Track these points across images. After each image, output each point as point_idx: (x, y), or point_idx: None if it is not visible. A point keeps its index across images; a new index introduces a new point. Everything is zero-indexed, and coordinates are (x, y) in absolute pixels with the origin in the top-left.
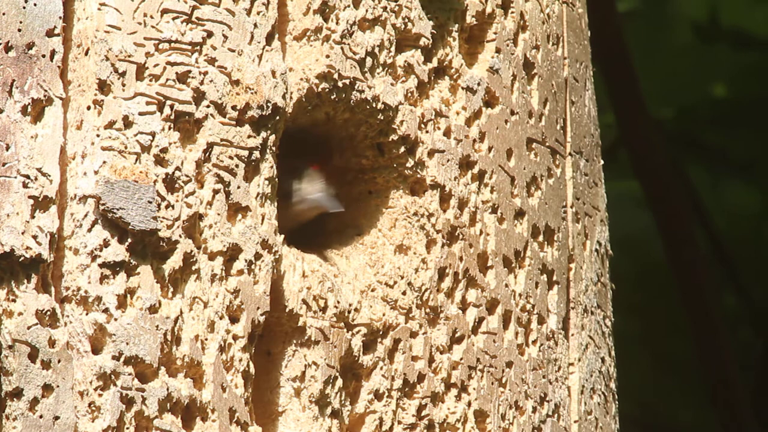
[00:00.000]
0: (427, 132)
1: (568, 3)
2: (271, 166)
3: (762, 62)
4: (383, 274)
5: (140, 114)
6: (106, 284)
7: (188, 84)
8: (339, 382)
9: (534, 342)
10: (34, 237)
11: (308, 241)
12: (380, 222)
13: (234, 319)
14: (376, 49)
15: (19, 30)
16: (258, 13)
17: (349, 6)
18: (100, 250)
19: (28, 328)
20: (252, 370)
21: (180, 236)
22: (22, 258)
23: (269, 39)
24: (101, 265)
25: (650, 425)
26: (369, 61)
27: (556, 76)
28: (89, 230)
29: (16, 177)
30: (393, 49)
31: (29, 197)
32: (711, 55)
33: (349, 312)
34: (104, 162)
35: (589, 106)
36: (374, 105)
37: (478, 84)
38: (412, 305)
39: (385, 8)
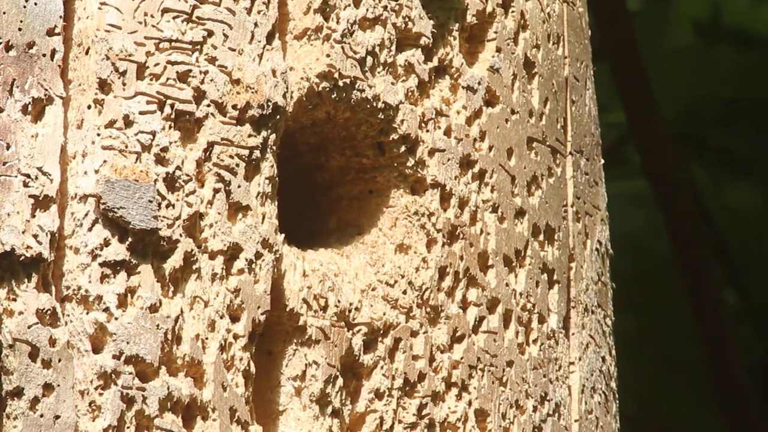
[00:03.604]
0: (427, 131)
1: (568, 2)
2: (272, 165)
3: (765, 62)
4: (384, 273)
5: (141, 113)
6: (106, 283)
7: (189, 83)
8: (339, 382)
9: (534, 341)
10: (35, 236)
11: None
12: (381, 221)
13: (234, 319)
14: (377, 49)
15: (20, 29)
16: (258, 13)
17: (349, 5)
18: (101, 249)
19: (29, 327)
20: (252, 369)
21: (180, 235)
22: (22, 257)
23: (270, 38)
24: (102, 264)
25: (650, 425)
26: (369, 60)
27: (557, 75)
28: (90, 229)
29: (16, 176)
30: (393, 48)
31: (30, 196)
32: (713, 55)
33: (349, 311)
34: (105, 161)
35: (590, 105)
36: (375, 104)
37: (479, 83)
38: (412, 304)
39: (385, 7)
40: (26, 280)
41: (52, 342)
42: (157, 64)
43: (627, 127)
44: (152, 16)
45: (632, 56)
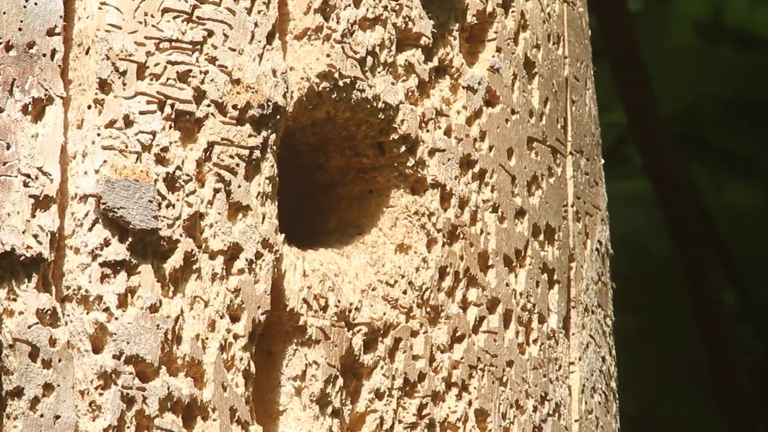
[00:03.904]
0: (427, 131)
1: (568, 2)
2: (272, 165)
3: (765, 62)
4: (384, 273)
5: (141, 113)
6: (106, 283)
7: (189, 83)
8: (340, 381)
9: (535, 341)
10: (35, 236)
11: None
12: (381, 221)
13: (235, 318)
14: (377, 49)
15: (20, 29)
16: (259, 13)
17: (349, 5)
18: (101, 249)
19: (29, 327)
20: (252, 369)
21: (181, 235)
22: (22, 257)
23: (270, 38)
24: (102, 264)
25: (650, 425)
26: (370, 60)
27: (557, 75)
28: (90, 229)
29: (16, 176)
30: (394, 48)
31: (30, 196)
32: (713, 55)
33: (349, 311)
34: (105, 161)
35: (590, 105)
36: (375, 104)
37: (479, 83)
38: (412, 304)
39: (385, 7)
40: (26, 280)
41: (52, 342)
42: (157, 64)
43: (627, 127)
44: (152, 16)
45: (632, 56)
